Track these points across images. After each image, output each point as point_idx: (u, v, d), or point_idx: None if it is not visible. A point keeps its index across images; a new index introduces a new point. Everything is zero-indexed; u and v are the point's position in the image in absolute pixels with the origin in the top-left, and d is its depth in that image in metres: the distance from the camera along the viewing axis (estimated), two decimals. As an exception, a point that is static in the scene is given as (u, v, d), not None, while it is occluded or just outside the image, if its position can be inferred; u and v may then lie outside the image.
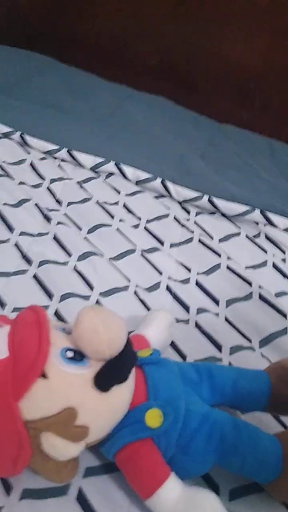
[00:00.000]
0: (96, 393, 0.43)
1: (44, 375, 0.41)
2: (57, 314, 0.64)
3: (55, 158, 0.98)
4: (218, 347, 0.66)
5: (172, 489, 0.44)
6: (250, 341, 0.68)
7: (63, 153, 0.96)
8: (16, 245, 0.74)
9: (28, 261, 0.72)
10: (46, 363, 0.42)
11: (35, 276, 0.69)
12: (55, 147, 0.97)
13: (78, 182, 0.92)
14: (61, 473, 0.44)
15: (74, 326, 0.43)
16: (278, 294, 0.77)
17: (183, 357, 0.63)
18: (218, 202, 0.93)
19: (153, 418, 0.46)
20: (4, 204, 0.81)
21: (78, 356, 0.43)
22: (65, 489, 0.47)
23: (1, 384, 0.41)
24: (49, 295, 0.67)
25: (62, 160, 0.97)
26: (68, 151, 0.96)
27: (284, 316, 0.72)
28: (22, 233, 0.77)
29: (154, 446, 0.46)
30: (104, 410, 0.44)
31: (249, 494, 0.50)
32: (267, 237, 0.91)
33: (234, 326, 0.70)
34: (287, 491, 0.48)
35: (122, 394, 0.45)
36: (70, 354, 0.43)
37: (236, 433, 0.48)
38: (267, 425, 0.56)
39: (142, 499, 0.45)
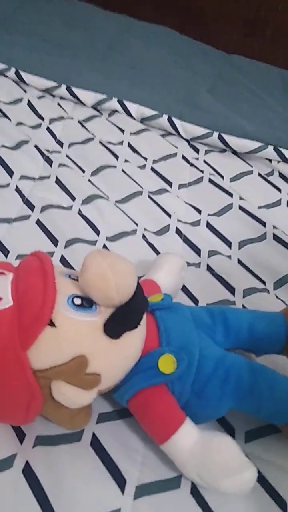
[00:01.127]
0: (107, 340, 0.41)
1: (51, 324, 0.39)
2: (62, 261, 0.62)
3: (54, 96, 0.92)
4: (231, 290, 0.64)
5: (187, 434, 0.43)
6: (264, 283, 0.66)
7: (62, 90, 0.91)
8: (17, 190, 0.71)
9: (30, 206, 0.69)
10: (53, 311, 0.39)
11: (38, 222, 0.66)
12: (54, 84, 0.91)
13: (79, 122, 0.87)
14: (74, 420, 0.44)
15: (81, 272, 0.41)
16: (293, 234, 0.74)
17: (195, 301, 0.61)
18: (229, 138, 0.88)
19: (166, 364, 0.44)
20: (2, 146, 0.77)
21: (87, 303, 0.41)
22: (79, 435, 0.46)
23: (7, 334, 0.39)
24: (54, 241, 0.64)
25: (62, 98, 0.92)
26: (67, 88, 0.91)
27: (299, 256, 0.69)
28: (22, 177, 0.73)
29: (168, 392, 0.44)
30: (115, 357, 0.42)
31: (265, 435, 0.49)
32: (281, 175, 0.86)
33: (247, 268, 0.68)
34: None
35: (134, 341, 0.43)
36: (78, 301, 0.41)
37: (252, 376, 0.46)
38: (284, 367, 0.55)
39: (157, 444, 0.44)
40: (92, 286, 0.40)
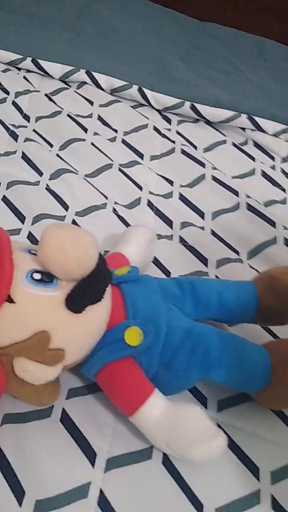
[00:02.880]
0: (69, 315, 0.40)
1: (10, 300, 0.38)
2: (30, 237, 0.60)
3: (19, 69, 0.89)
4: (204, 261, 0.63)
5: (156, 405, 0.42)
6: (237, 253, 0.65)
7: (28, 62, 0.87)
8: (-18, 167, 0.69)
9: (-4, 182, 0.67)
10: (10, 286, 0.38)
11: (4, 198, 0.64)
12: (19, 56, 0.88)
13: (46, 95, 0.84)
14: (40, 397, 0.43)
15: (39, 245, 0.40)
16: (267, 203, 0.74)
17: (168, 273, 0.61)
18: (202, 108, 0.86)
19: (133, 336, 0.43)
20: None
21: (47, 278, 0.40)
22: (48, 411, 0.46)
23: None
24: (21, 218, 0.62)
25: (28, 71, 0.89)
26: (33, 60, 0.87)
27: (273, 225, 0.69)
28: (-14, 153, 0.71)
29: (135, 364, 0.44)
30: (79, 332, 0.41)
31: (237, 404, 0.49)
32: (255, 144, 0.85)
33: (220, 239, 0.67)
34: (276, 399, 0.47)
35: (98, 314, 0.42)
36: (37, 276, 0.40)
37: (222, 345, 0.46)
38: (256, 336, 0.55)
39: (126, 416, 0.43)
40: (51, 259, 0.39)
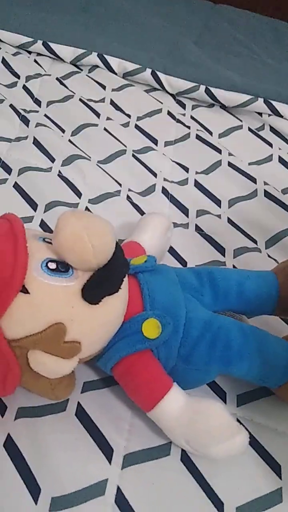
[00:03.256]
0: (86, 306, 0.38)
1: (24, 290, 0.37)
2: (43, 225, 0.59)
3: (30, 52, 0.87)
4: (221, 250, 0.61)
5: (174, 400, 0.41)
6: (255, 242, 0.63)
7: (39, 45, 0.85)
8: (-8, 153, 0.67)
9: (7, 169, 0.65)
10: (25, 276, 0.37)
11: (16, 185, 0.63)
12: (29, 39, 0.86)
13: (57, 79, 0.82)
14: (55, 390, 0.41)
15: (54, 234, 0.38)
16: (285, 190, 0.71)
17: (184, 263, 0.59)
18: (217, 92, 0.83)
19: (151, 328, 0.42)
20: (-25, 107, 0.73)
21: (63, 267, 0.38)
22: (63, 405, 0.44)
23: (-24, 303, 0.36)
24: (33, 205, 0.61)
25: (38, 54, 0.86)
26: (44, 43, 0.85)
27: (292, 213, 0.66)
28: (-3, 139, 0.69)
29: (153, 358, 0.42)
30: (95, 324, 0.39)
31: (257, 398, 0.48)
32: (272, 129, 0.83)
33: (238, 227, 0.65)
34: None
35: (115, 306, 0.40)
36: (52, 265, 0.38)
37: (242, 338, 0.44)
38: (276, 328, 0.53)
39: (144, 411, 0.42)
40: (66, 248, 0.37)
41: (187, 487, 0.41)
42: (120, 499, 0.39)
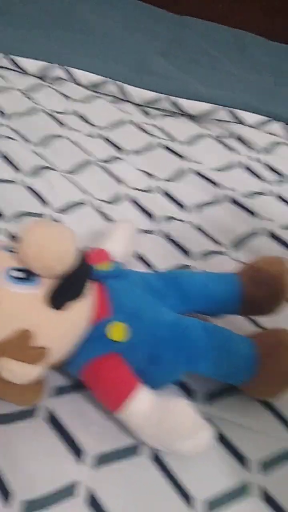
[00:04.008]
0: (51, 312, 0.39)
1: (-11, 299, 0.38)
2: (10, 236, 0.59)
3: (-5, 67, 0.88)
4: (187, 254, 0.63)
5: (142, 399, 0.42)
6: (221, 245, 0.65)
7: (3, 59, 0.86)
8: None
9: (-28, 181, 0.65)
10: (-11, 285, 0.38)
11: (-19, 197, 0.63)
12: (-7, 53, 0.87)
13: (22, 92, 0.83)
14: (25, 396, 0.42)
15: (19, 243, 0.39)
16: (250, 195, 0.74)
17: (151, 268, 0.60)
18: (182, 102, 0.86)
19: (117, 331, 0.43)
20: None
21: (27, 276, 0.39)
22: (34, 411, 0.45)
23: None
24: (-1, 216, 0.61)
25: (3, 68, 0.87)
26: (8, 56, 0.86)
27: (256, 216, 0.69)
28: None
29: (120, 360, 0.43)
30: (62, 329, 0.41)
31: (226, 396, 0.49)
32: (237, 137, 0.85)
33: (203, 232, 0.66)
34: (263, 389, 0.47)
35: (80, 311, 0.41)
36: (17, 273, 0.39)
37: (207, 338, 0.45)
38: (241, 327, 0.55)
39: (112, 412, 0.43)
40: (30, 256, 0.39)
41: (158, 484, 0.42)
42: (93, 500, 0.40)
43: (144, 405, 0.42)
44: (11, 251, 0.41)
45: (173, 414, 0.41)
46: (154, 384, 0.44)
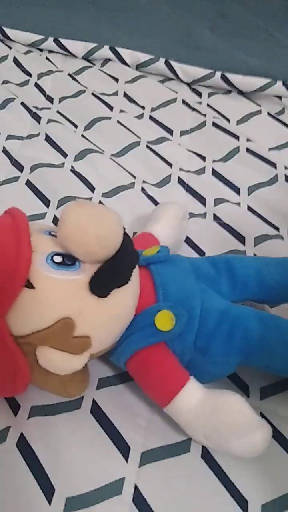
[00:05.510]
0: (94, 299, 0.37)
1: (29, 285, 0.36)
2: (56, 222, 0.58)
3: (41, 50, 0.86)
4: (241, 239, 0.59)
5: (191, 394, 0.39)
6: (277, 229, 0.60)
7: (50, 43, 0.84)
8: (4, 151, 0.66)
9: (19, 167, 0.64)
10: (29, 270, 0.36)
11: (28, 183, 0.62)
12: (40, 37, 0.85)
13: (69, 74, 0.81)
14: (68, 388, 0.40)
15: (58, 226, 0.37)
16: (308, 175, 0.68)
17: (202, 253, 0.57)
18: (233, 77, 0.80)
19: (164, 320, 0.40)
20: (-13, 107, 0.72)
21: (69, 260, 0.37)
22: (78, 402, 0.43)
23: (-19, 300, 0.35)
24: (45, 202, 0.60)
25: (50, 52, 0.86)
26: (55, 39, 0.84)
27: (316, 198, 0.63)
28: (9, 137, 0.68)
29: (168, 351, 0.40)
30: (105, 317, 0.38)
31: (282, 391, 0.45)
32: (293, 112, 0.79)
33: (258, 215, 0.62)
34: None
35: (125, 298, 0.39)
36: (58, 258, 0.37)
37: (262, 328, 0.42)
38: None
39: (160, 407, 0.40)
40: (71, 240, 0.36)
41: (208, 485, 0.39)
42: (138, 498, 0.38)
43: (194, 399, 0.39)
44: (52, 235, 0.39)
45: (225, 410, 0.38)
46: (203, 377, 0.41)
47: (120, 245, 0.37)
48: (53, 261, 0.37)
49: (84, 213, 0.36)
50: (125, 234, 0.37)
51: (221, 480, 0.39)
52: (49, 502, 0.37)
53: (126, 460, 0.40)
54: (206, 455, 0.41)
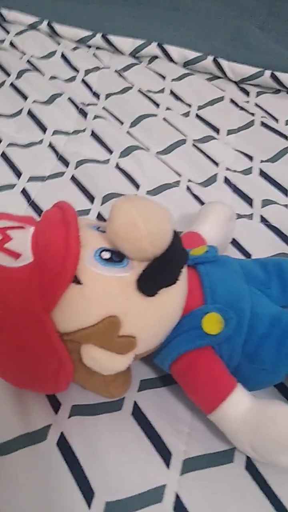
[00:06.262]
0: (141, 298, 0.35)
1: (77, 281, 0.35)
2: (100, 218, 0.57)
3: (89, 46, 0.86)
4: (289, 242, 0.56)
5: (238, 402, 0.37)
6: None
7: (98, 39, 0.84)
8: (50, 146, 0.66)
9: (65, 162, 0.64)
10: (77, 266, 0.35)
11: (73, 178, 0.62)
12: (88, 33, 0.85)
13: (117, 71, 0.80)
14: (110, 388, 0.39)
15: (108, 221, 0.36)
16: None
17: (248, 256, 0.55)
18: (283, 76, 0.78)
19: (212, 323, 0.38)
20: (34, 102, 0.72)
21: (117, 257, 0.36)
22: (119, 403, 0.42)
23: (27, 294, 0.34)
24: (90, 198, 0.59)
25: (97, 48, 0.85)
26: (103, 36, 0.84)
27: None
28: (55, 132, 0.68)
29: (215, 355, 0.39)
30: (152, 317, 0.37)
31: None
32: None
33: (307, 218, 0.59)
34: None
35: (172, 298, 0.37)
36: (106, 255, 0.36)
37: (315, 336, 0.39)
38: None
39: (205, 413, 0.39)
40: (120, 236, 0.35)
41: (252, 497, 0.37)
42: (179, 507, 0.36)
43: (241, 408, 0.37)
44: (100, 230, 0.38)
45: (274, 421, 0.36)
46: (250, 385, 0.39)
47: (169, 243, 0.35)
48: (101, 257, 0.36)
49: (134, 209, 0.35)
50: (174, 232, 0.36)
51: (265, 493, 0.38)
52: (89, 505, 0.36)
53: (168, 466, 0.38)
54: (251, 466, 0.39)
